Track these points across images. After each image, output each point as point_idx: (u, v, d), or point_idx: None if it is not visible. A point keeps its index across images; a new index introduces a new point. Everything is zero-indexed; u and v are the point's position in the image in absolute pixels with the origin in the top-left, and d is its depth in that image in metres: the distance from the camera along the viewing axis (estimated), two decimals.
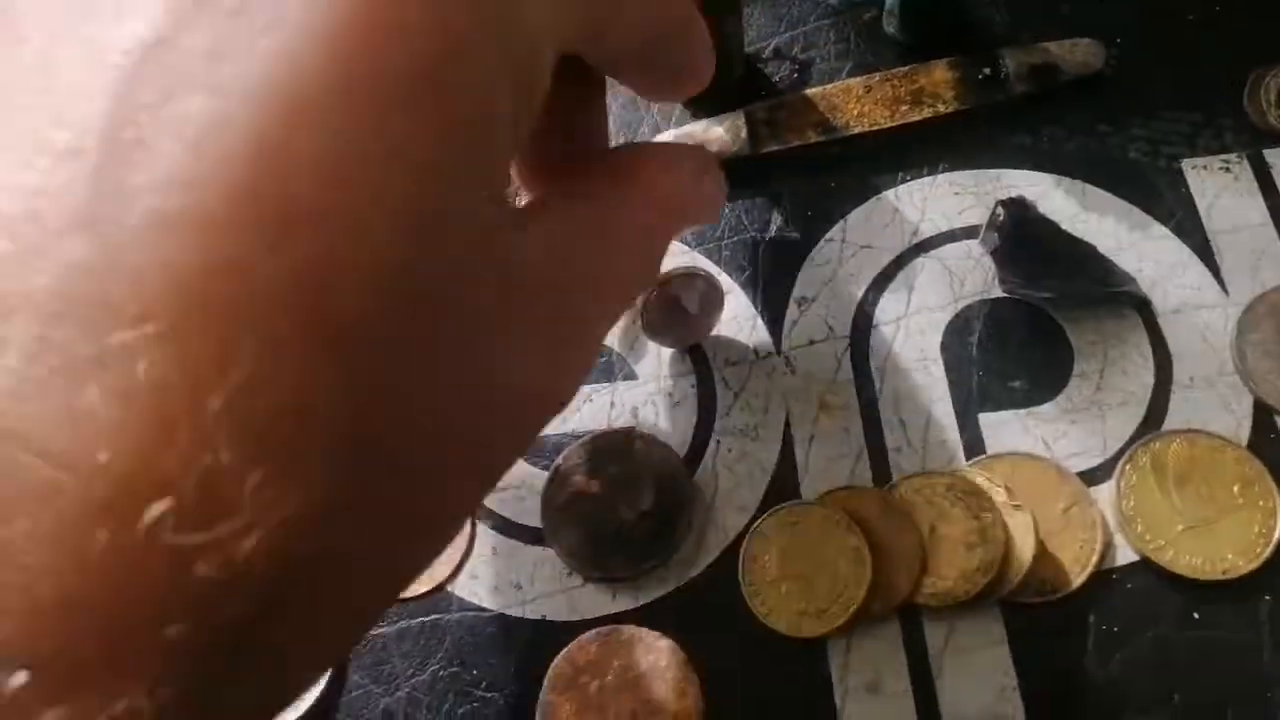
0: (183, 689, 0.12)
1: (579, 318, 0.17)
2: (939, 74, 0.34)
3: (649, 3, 0.17)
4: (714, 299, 0.30)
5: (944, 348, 0.31)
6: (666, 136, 0.34)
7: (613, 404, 0.31)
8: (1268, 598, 0.27)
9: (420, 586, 0.28)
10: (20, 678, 0.11)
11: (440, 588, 0.28)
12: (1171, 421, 0.29)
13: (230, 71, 0.12)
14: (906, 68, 0.34)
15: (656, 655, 0.27)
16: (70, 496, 0.11)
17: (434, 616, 0.28)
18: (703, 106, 0.35)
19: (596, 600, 0.28)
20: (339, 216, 0.12)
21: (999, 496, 0.28)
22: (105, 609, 0.11)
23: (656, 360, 0.31)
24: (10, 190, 0.12)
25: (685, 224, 0.21)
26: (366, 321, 0.12)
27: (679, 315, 0.30)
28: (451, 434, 0.15)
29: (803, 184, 0.33)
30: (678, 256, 0.32)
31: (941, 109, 0.34)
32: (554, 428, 0.30)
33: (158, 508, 0.11)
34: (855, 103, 0.34)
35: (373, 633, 0.28)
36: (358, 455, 0.13)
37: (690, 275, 0.29)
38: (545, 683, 0.27)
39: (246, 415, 0.12)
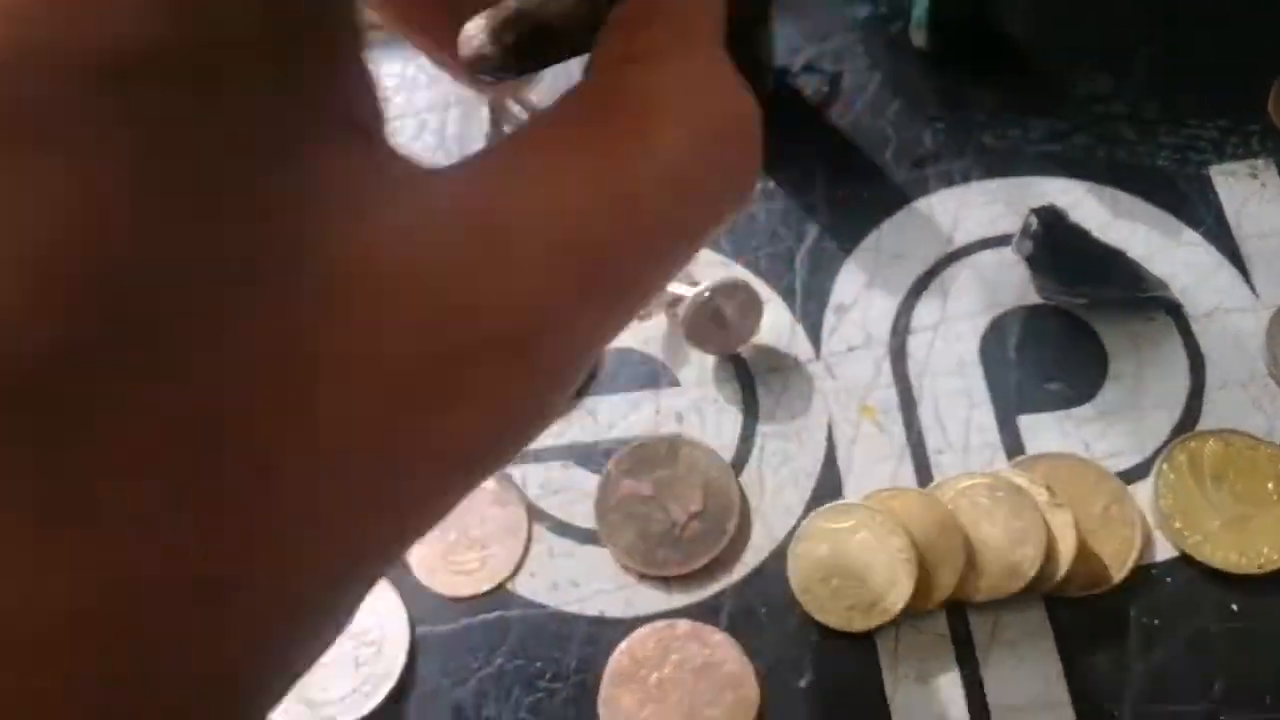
0: None
1: None
2: None
3: None
4: (753, 308, 0.32)
5: (982, 352, 0.32)
6: None
7: (657, 410, 0.32)
8: None
9: (482, 585, 0.29)
10: None
11: (501, 586, 0.29)
12: (1206, 422, 0.30)
13: None
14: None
15: (712, 649, 0.28)
16: None
17: (496, 613, 0.29)
18: None
19: (652, 597, 0.29)
20: None
21: (1040, 496, 0.29)
22: None
23: (699, 368, 0.32)
24: None
25: None
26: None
27: (720, 324, 0.31)
28: None
29: (837, 195, 0.34)
30: (717, 268, 0.33)
31: None
32: (603, 434, 0.31)
33: None
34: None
35: (438, 630, 0.29)
36: None
37: (730, 286, 0.31)
38: (606, 675, 0.28)
39: None
